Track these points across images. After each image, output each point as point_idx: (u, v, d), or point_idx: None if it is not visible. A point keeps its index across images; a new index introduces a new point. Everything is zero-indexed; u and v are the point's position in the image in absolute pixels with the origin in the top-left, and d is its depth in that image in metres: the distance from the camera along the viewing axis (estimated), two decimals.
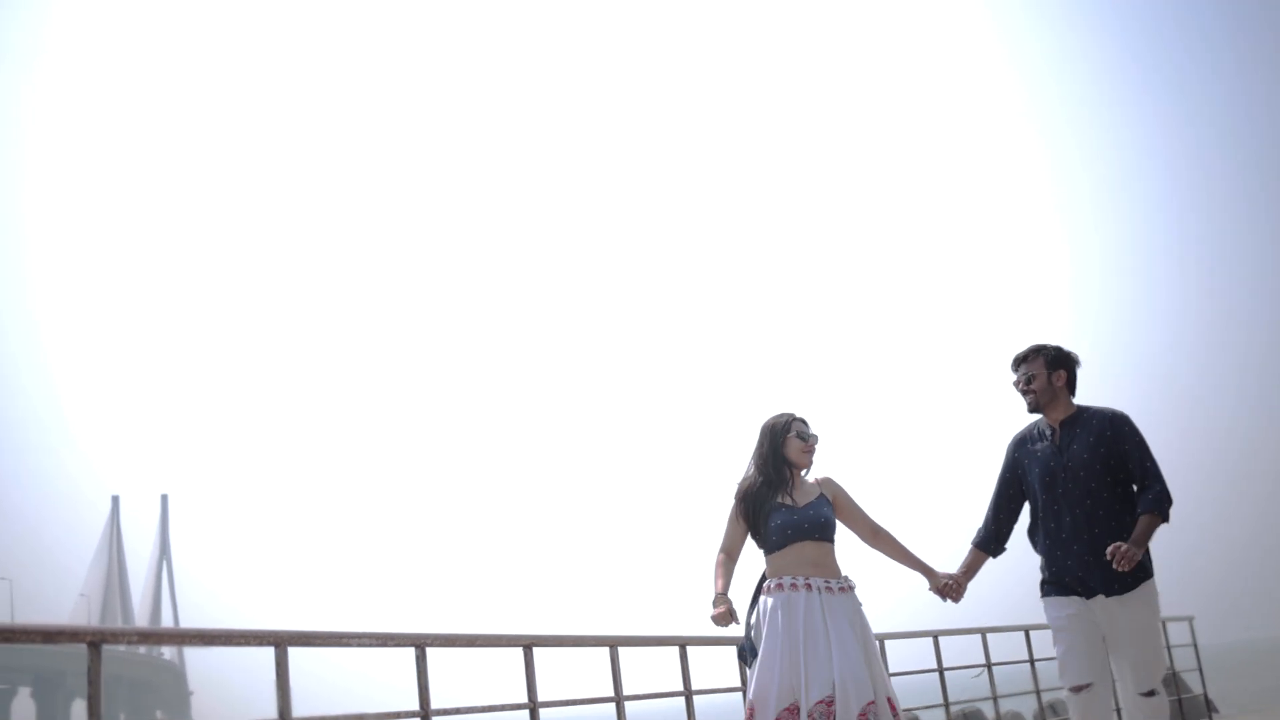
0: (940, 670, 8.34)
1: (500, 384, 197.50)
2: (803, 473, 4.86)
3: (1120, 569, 4.58)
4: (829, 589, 4.62)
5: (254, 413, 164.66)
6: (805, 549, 4.66)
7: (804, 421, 4.89)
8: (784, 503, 4.74)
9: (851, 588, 4.70)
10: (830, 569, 4.69)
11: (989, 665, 8.78)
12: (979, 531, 5.16)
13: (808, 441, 4.84)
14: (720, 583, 4.69)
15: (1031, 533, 5.06)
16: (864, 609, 4.72)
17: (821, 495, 4.81)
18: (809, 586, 4.60)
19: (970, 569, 5.10)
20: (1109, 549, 4.60)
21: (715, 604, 4.60)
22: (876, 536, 4.88)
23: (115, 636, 3.70)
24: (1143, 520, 4.72)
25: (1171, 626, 10.97)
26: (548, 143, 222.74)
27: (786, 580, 4.63)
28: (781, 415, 4.90)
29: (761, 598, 4.70)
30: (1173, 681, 11.04)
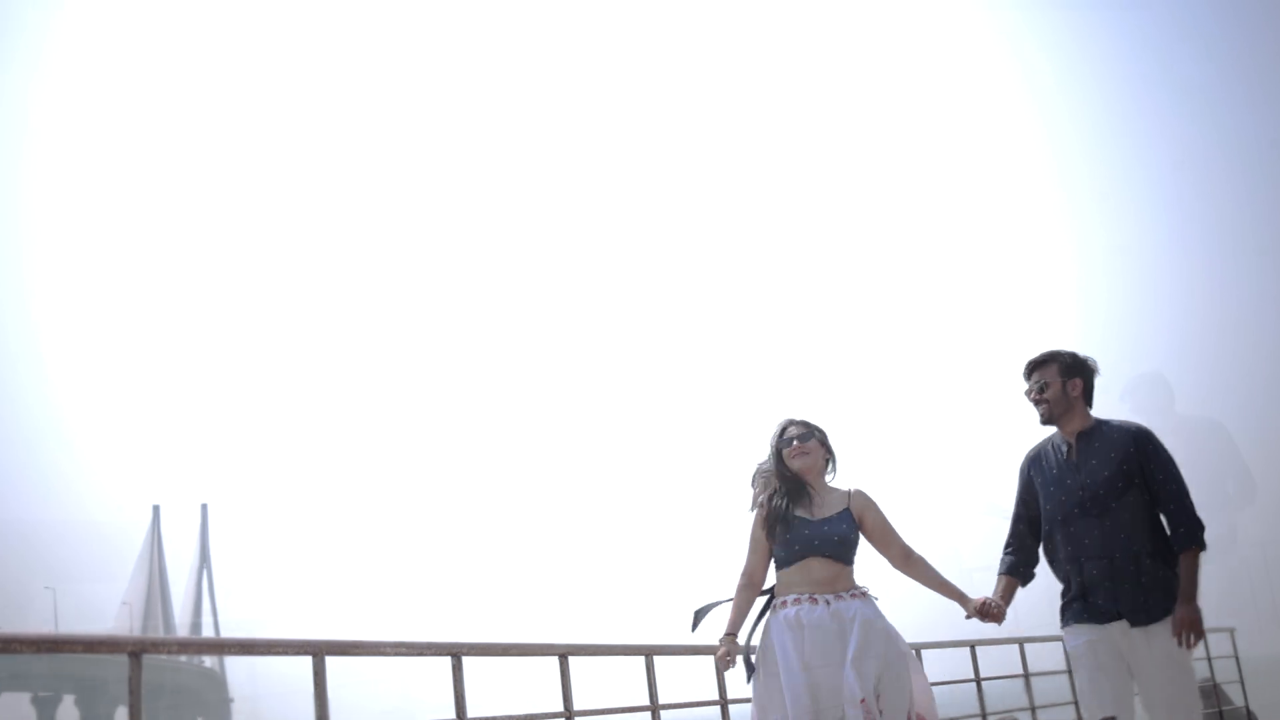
0: (977, 680, 8.28)
1: (537, 394, 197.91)
2: (827, 481, 4.54)
3: (1192, 647, 4.28)
4: (839, 598, 4.34)
5: (293, 423, 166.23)
6: (813, 567, 4.37)
7: (798, 424, 4.54)
8: (801, 515, 4.43)
9: (864, 593, 4.40)
10: (842, 588, 4.38)
11: (1026, 675, 8.71)
12: (1003, 559, 4.77)
13: (792, 446, 4.50)
14: (732, 618, 4.44)
15: (1050, 555, 4.69)
16: (879, 603, 4.42)
17: (846, 510, 4.47)
18: (814, 600, 4.32)
19: (1005, 596, 4.68)
20: (1174, 633, 4.31)
21: (720, 642, 4.37)
22: (908, 561, 4.49)
23: (155, 646, 3.74)
24: (1184, 561, 4.39)
25: (1212, 638, 10.79)
26: (549, 143, 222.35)
27: (791, 597, 4.37)
28: (777, 425, 4.57)
29: (768, 615, 4.45)
30: (1213, 693, 10.90)
